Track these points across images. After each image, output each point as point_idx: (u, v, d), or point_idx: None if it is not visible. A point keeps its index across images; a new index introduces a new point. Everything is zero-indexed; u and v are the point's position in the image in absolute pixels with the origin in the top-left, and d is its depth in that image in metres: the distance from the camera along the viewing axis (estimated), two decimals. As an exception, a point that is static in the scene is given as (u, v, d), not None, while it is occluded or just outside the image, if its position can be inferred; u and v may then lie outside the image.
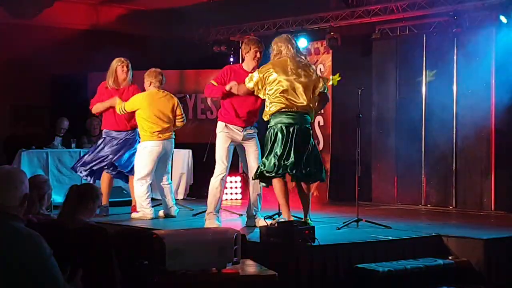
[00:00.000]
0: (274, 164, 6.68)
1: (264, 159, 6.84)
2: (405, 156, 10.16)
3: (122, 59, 8.58)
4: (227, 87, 7.18)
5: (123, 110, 8.30)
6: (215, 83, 7.34)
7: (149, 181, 8.26)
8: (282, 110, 6.74)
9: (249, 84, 6.95)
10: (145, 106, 8.22)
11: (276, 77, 6.77)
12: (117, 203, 9.02)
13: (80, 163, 8.66)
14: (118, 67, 8.53)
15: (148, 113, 8.20)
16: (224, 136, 7.37)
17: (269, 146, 6.79)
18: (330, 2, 11.06)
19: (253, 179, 7.16)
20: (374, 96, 10.49)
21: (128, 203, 8.85)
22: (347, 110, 9.24)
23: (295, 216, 7.35)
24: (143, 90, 8.43)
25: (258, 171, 6.87)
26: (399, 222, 7.97)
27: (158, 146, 8.22)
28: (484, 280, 6.60)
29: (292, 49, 6.88)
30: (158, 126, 8.21)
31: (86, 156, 8.69)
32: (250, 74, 7.03)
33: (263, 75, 6.84)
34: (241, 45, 11.36)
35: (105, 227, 4.77)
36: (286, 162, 6.66)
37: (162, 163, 8.32)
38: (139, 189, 8.24)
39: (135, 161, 8.37)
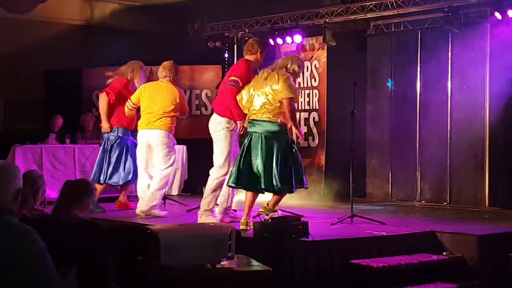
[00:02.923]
0: None
1: None
2: (400, 152, 10.16)
3: None
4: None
5: None
6: (238, 80, 7.08)
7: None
8: None
9: None
10: None
11: None
12: (111, 199, 8.99)
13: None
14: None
15: None
16: (230, 132, 7.26)
17: None
18: (325, -3, 11.05)
19: None
20: (369, 92, 10.48)
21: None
22: (341, 106, 9.23)
23: (291, 213, 7.40)
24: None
25: None
26: (394, 218, 7.97)
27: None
28: (478, 275, 6.61)
29: None
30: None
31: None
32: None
33: None
34: (236, 41, 11.46)
35: (99, 223, 4.76)
36: None
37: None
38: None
39: None
